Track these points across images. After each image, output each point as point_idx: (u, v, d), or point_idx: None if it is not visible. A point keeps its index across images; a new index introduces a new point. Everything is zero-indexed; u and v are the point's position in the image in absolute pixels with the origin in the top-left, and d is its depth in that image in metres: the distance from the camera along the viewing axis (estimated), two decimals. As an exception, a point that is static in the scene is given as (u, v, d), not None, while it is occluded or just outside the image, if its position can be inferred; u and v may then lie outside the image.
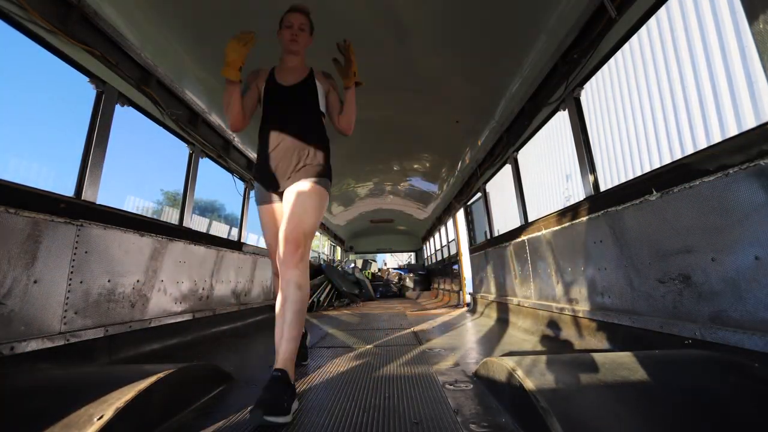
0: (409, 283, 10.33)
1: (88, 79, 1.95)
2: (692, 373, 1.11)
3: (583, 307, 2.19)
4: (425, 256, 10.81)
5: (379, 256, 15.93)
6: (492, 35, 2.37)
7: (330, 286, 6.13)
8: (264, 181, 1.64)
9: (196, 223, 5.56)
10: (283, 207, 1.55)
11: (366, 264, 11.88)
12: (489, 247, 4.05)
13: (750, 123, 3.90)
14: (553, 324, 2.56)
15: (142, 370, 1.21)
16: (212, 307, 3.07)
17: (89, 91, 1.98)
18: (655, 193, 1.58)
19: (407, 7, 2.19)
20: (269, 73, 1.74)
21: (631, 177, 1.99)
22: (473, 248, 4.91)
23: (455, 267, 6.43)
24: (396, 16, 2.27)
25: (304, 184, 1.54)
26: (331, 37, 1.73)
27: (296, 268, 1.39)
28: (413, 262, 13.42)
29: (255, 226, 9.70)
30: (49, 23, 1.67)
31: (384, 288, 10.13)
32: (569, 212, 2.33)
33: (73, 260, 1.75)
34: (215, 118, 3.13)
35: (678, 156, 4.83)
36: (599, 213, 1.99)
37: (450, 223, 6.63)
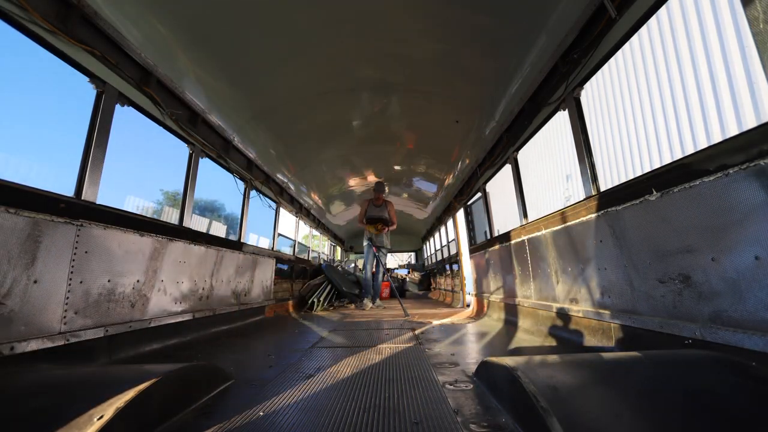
0: (409, 282, 10.35)
1: (88, 79, 1.95)
2: (692, 373, 1.11)
3: (583, 307, 2.19)
4: (425, 256, 10.81)
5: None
6: (492, 35, 2.37)
7: (330, 286, 6.12)
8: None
9: (196, 223, 5.55)
10: None
11: (366, 264, 11.86)
12: (489, 247, 4.05)
13: (750, 123, 3.90)
14: (553, 324, 2.56)
15: (142, 370, 1.21)
16: (212, 307, 3.07)
17: (89, 91, 1.98)
18: (655, 193, 1.58)
19: (407, 8, 2.19)
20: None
21: (631, 177, 1.99)
22: (473, 248, 4.92)
23: (455, 267, 6.43)
24: (396, 16, 2.27)
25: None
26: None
27: None
28: (413, 262, 13.42)
29: (255, 226, 9.70)
30: (49, 23, 1.67)
31: None
32: (569, 212, 2.32)
33: (73, 260, 1.75)
34: (215, 118, 3.13)
35: (678, 156, 4.83)
36: (599, 213, 1.99)
37: (450, 223, 6.63)
